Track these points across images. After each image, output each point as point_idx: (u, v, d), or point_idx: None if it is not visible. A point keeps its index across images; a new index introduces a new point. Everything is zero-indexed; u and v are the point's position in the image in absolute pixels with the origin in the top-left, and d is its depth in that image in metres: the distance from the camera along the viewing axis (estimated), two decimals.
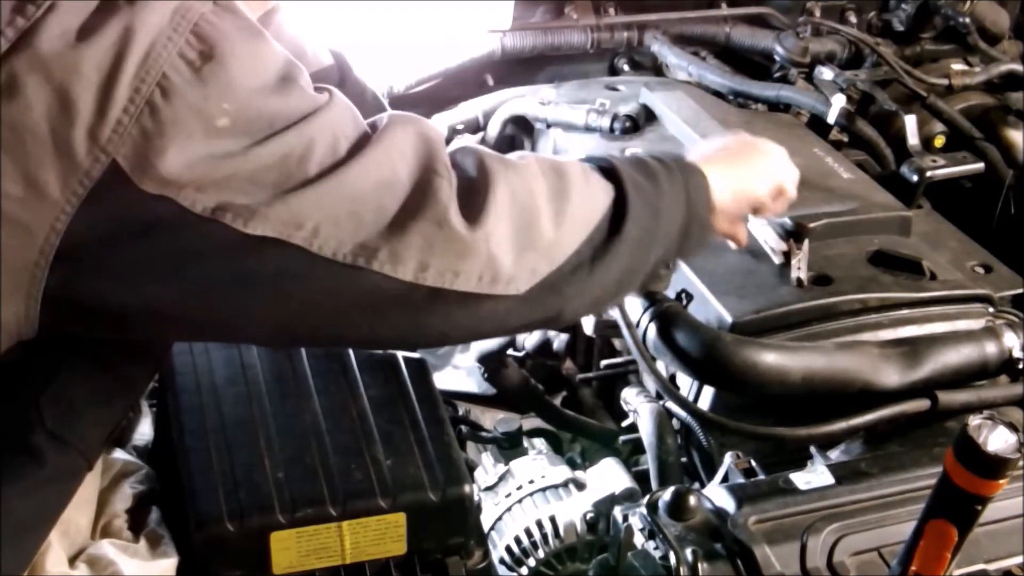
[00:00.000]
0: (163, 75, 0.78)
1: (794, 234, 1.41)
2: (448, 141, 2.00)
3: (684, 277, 1.36)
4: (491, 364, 1.44)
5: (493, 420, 1.53)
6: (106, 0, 0.79)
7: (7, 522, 0.86)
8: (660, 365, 1.28)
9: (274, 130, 0.83)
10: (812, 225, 1.42)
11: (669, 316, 1.25)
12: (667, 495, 1.07)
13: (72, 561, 0.98)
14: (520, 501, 1.36)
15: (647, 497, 1.09)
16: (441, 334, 0.99)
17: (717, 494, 1.11)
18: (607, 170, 1.06)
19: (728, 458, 1.18)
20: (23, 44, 0.75)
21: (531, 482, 1.38)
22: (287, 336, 0.98)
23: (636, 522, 1.09)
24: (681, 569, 1.01)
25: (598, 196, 1.03)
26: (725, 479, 1.18)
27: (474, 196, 0.93)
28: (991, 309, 1.38)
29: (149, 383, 1.05)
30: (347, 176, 0.86)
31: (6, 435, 0.85)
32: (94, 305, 0.82)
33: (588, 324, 1.36)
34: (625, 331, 1.25)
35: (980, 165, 1.83)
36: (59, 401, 0.87)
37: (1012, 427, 0.82)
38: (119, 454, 1.11)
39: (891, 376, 1.22)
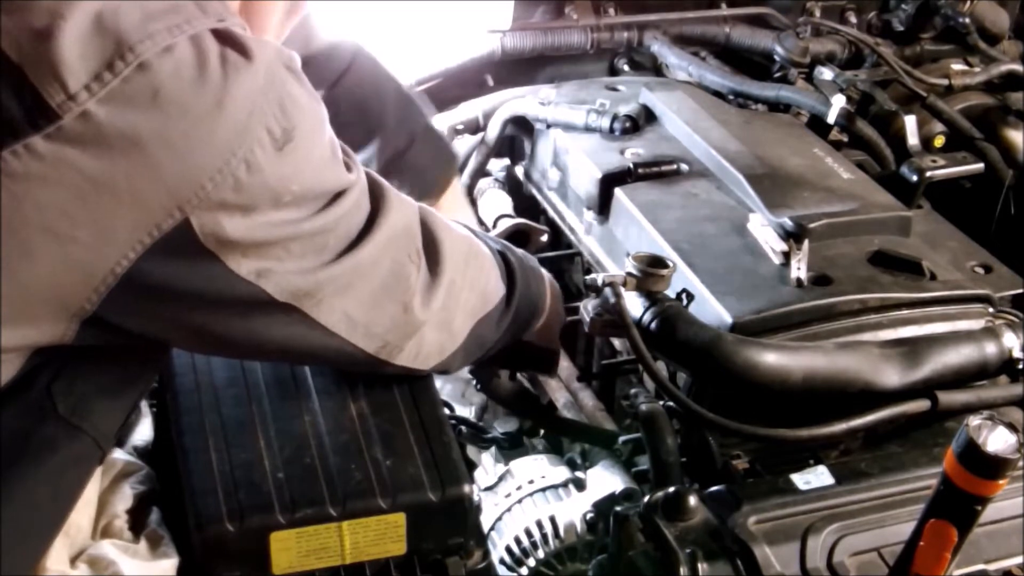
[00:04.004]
0: (251, 150, 0.81)
1: (794, 234, 1.42)
2: None
3: (684, 277, 1.37)
4: (484, 375, 1.43)
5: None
6: (201, 57, 0.78)
7: (25, 507, 0.88)
8: (660, 365, 1.28)
9: (320, 206, 0.89)
10: (812, 225, 1.42)
11: (670, 316, 1.25)
12: (667, 495, 1.07)
13: (73, 561, 0.98)
14: (520, 501, 1.36)
15: (647, 497, 1.09)
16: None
17: (717, 494, 1.11)
18: (508, 267, 1.21)
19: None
20: (111, 100, 0.75)
21: (531, 482, 1.38)
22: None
23: (636, 522, 1.09)
24: (681, 569, 1.01)
25: (494, 291, 1.18)
26: (725, 479, 1.18)
27: (430, 287, 1.06)
28: (991, 309, 1.38)
29: (156, 372, 1.06)
30: (357, 256, 0.94)
31: (21, 424, 0.87)
32: (121, 327, 0.87)
33: (587, 323, 1.36)
34: (626, 330, 1.25)
35: (980, 165, 1.83)
36: (70, 390, 0.89)
37: (1012, 427, 0.82)
38: (119, 454, 1.11)
39: (891, 376, 1.22)
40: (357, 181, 0.95)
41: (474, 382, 1.46)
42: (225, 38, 0.81)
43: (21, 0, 0.75)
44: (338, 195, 0.91)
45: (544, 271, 1.34)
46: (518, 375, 1.52)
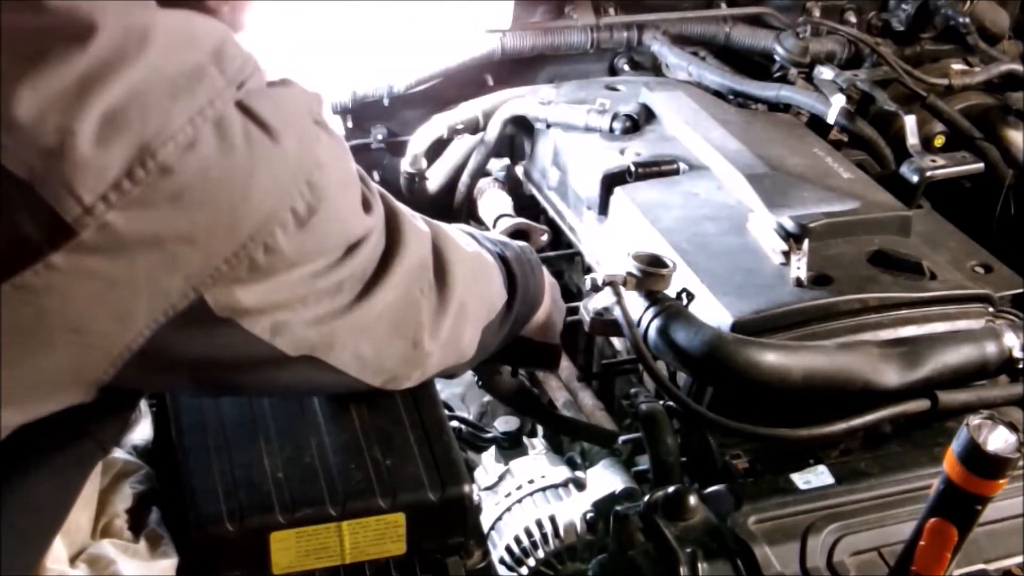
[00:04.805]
0: (271, 234, 0.79)
1: (794, 234, 1.41)
2: (448, 141, 2.03)
3: (685, 276, 1.36)
4: (486, 373, 1.43)
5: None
6: (225, 144, 0.75)
7: (27, 508, 0.87)
8: (660, 365, 1.28)
9: (337, 257, 0.88)
10: (812, 225, 1.42)
11: (670, 315, 1.25)
12: (667, 495, 1.07)
13: (72, 560, 0.98)
14: (520, 501, 1.36)
15: (647, 497, 1.09)
16: None
17: (717, 494, 1.11)
18: (508, 270, 1.22)
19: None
20: (131, 207, 0.72)
21: (531, 482, 1.38)
22: None
23: (636, 522, 1.09)
24: (681, 569, 1.01)
25: (498, 298, 1.18)
26: (725, 479, 1.18)
27: (439, 316, 1.05)
28: (991, 309, 1.38)
29: None
30: (372, 300, 0.94)
31: (24, 429, 0.86)
32: (133, 388, 0.88)
33: (587, 323, 1.36)
34: (626, 330, 1.25)
35: (980, 165, 1.83)
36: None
37: (1012, 427, 0.82)
38: (119, 453, 1.11)
39: (891, 376, 1.22)
40: (376, 224, 0.93)
41: (476, 380, 1.46)
42: (249, 111, 0.77)
43: (19, 117, 0.69)
44: (356, 244, 0.90)
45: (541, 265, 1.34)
46: (519, 373, 1.52)
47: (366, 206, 0.92)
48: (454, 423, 1.47)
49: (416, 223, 1.03)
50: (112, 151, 0.70)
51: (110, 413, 0.93)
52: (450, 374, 1.18)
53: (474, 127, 1.96)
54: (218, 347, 0.84)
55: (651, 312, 1.26)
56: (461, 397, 1.69)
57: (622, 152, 1.68)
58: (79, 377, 0.80)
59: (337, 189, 0.85)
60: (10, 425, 0.80)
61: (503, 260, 1.22)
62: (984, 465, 0.82)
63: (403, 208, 1.02)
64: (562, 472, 1.39)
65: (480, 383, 1.45)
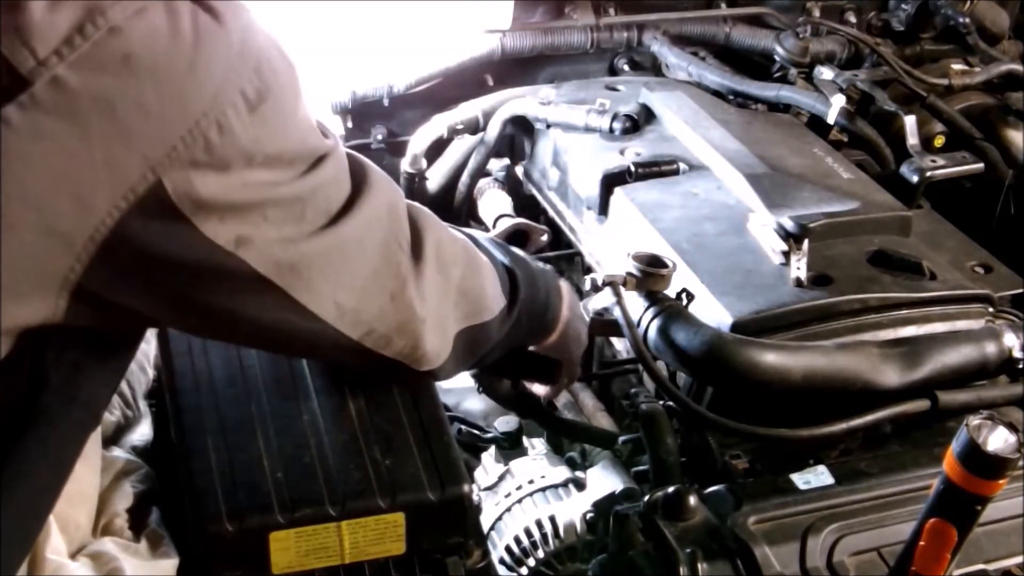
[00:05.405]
0: (223, 113, 0.80)
1: (794, 234, 1.41)
2: (448, 141, 2.02)
3: (684, 276, 1.36)
4: (485, 378, 1.43)
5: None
6: (173, 19, 0.78)
7: (24, 484, 0.87)
8: (660, 365, 1.28)
9: (296, 171, 0.88)
10: (812, 225, 1.42)
11: (670, 315, 1.25)
12: (667, 495, 1.07)
13: (72, 557, 0.98)
14: (520, 501, 1.36)
15: (647, 497, 1.09)
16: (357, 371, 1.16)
17: (717, 494, 1.11)
18: (512, 280, 1.19)
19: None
20: (82, 65, 0.74)
21: (531, 482, 1.38)
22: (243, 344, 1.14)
23: (636, 522, 1.09)
24: (681, 569, 1.01)
25: (492, 300, 1.15)
26: (725, 479, 1.18)
27: (418, 279, 1.04)
28: (991, 309, 1.38)
29: (141, 337, 1.05)
30: (339, 232, 0.92)
31: (15, 398, 0.86)
32: (110, 301, 0.85)
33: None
34: (626, 330, 1.25)
35: (980, 165, 1.83)
36: (62, 360, 0.88)
37: (1012, 427, 0.82)
38: (119, 453, 1.11)
39: (891, 376, 1.22)
40: (335, 150, 0.93)
41: (477, 387, 1.46)
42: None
43: None
44: (315, 162, 0.90)
45: (567, 291, 1.30)
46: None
47: (323, 134, 0.93)
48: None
49: (388, 177, 1.03)
50: (64, 9, 0.74)
51: (99, 378, 0.93)
52: (435, 373, 1.15)
53: (474, 127, 1.96)
54: (181, 249, 0.84)
55: (651, 312, 1.26)
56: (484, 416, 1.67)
57: (622, 152, 1.68)
58: (46, 270, 0.80)
59: (286, 88, 0.86)
60: None
61: (508, 270, 1.20)
62: (984, 465, 0.82)
63: (370, 162, 1.01)
64: (562, 472, 1.39)
65: (480, 388, 1.45)
